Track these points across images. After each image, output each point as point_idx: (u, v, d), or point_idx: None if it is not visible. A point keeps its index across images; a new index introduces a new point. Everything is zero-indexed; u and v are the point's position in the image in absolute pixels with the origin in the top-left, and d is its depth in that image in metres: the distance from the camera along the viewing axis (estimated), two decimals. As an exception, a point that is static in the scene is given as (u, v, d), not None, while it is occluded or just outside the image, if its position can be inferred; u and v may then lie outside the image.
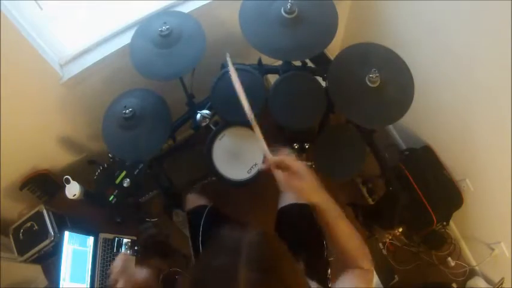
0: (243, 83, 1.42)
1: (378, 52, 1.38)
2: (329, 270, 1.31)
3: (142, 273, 1.04)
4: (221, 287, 0.62)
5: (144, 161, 1.57)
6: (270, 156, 0.89)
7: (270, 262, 0.66)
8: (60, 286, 1.53)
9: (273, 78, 1.53)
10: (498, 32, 1.21)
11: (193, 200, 1.56)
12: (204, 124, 1.48)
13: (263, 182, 1.50)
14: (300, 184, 0.86)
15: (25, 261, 1.63)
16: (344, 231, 0.90)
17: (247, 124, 1.47)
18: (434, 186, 1.73)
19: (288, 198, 1.46)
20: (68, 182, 1.50)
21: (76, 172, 1.62)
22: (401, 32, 1.70)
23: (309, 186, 0.87)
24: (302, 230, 1.36)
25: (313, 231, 1.33)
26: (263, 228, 0.73)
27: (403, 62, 1.36)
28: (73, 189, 1.50)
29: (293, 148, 1.64)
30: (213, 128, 1.49)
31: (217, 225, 1.45)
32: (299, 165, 0.86)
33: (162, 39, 1.31)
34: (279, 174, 0.87)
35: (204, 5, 1.49)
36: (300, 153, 1.65)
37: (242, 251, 0.64)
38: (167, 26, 1.30)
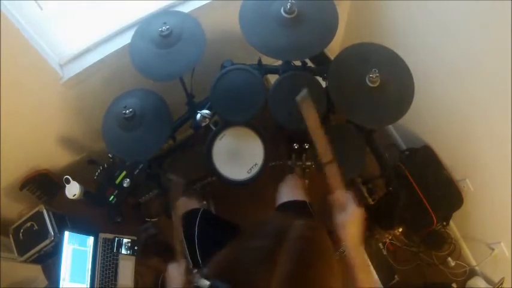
0: (243, 83, 1.44)
1: (378, 52, 1.38)
2: None
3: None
4: (254, 267, 0.61)
5: (144, 161, 1.57)
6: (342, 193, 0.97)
7: (311, 258, 0.64)
8: (60, 286, 1.54)
9: (273, 78, 1.53)
10: (498, 32, 1.21)
11: (185, 205, 1.56)
12: (204, 124, 1.48)
13: (263, 182, 1.50)
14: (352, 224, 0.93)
15: (25, 261, 1.63)
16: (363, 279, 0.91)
17: (247, 124, 1.48)
18: (434, 186, 1.73)
19: (285, 196, 1.48)
20: (68, 182, 1.50)
21: (76, 172, 1.62)
22: (402, 32, 1.70)
23: (357, 235, 0.93)
24: None
25: None
26: (313, 222, 0.72)
27: (403, 62, 1.36)
28: (73, 189, 1.50)
29: (293, 148, 1.64)
30: (213, 128, 1.49)
31: (214, 227, 1.45)
32: (353, 207, 0.95)
33: (162, 39, 1.31)
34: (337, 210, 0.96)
35: (204, 5, 1.49)
36: (300, 153, 1.66)
37: (287, 238, 0.63)
38: (167, 26, 1.30)
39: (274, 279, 0.58)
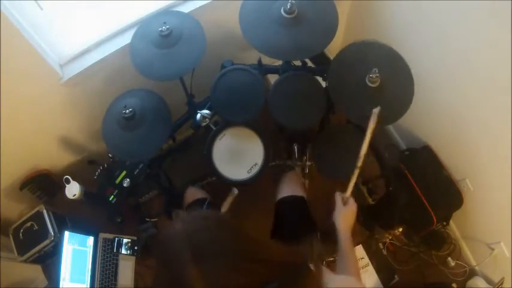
0: (243, 83, 1.44)
1: (378, 52, 1.38)
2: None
3: None
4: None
5: (144, 161, 1.57)
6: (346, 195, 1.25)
7: (219, 245, 0.60)
8: (60, 286, 1.54)
9: (273, 78, 1.53)
10: (499, 32, 1.21)
11: (192, 194, 1.57)
12: (204, 124, 1.48)
13: (263, 182, 1.51)
14: (349, 218, 1.22)
15: (25, 261, 1.63)
16: (353, 258, 1.15)
17: (247, 124, 1.48)
18: (434, 186, 1.73)
19: (284, 191, 1.51)
20: (68, 182, 1.50)
21: (76, 172, 1.62)
22: (402, 32, 1.69)
23: (351, 219, 1.23)
24: (298, 218, 1.45)
25: (307, 219, 1.45)
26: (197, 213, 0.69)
27: (404, 62, 1.36)
28: (73, 189, 1.50)
29: (293, 148, 1.64)
30: (213, 128, 1.49)
31: None
32: (354, 205, 1.25)
33: (162, 39, 1.31)
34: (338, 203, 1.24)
35: (204, 5, 1.49)
36: (300, 153, 1.66)
37: (182, 248, 0.58)
38: (167, 26, 1.30)
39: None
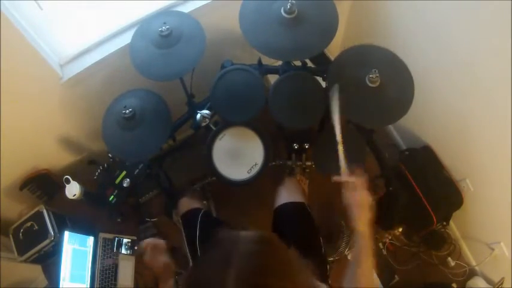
0: (243, 83, 1.44)
1: (378, 53, 1.38)
2: (328, 268, 1.32)
3: (166, 258, 1.04)
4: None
5: (144, 161, 1.57)
6: (347, 175, 1.06)
7: (262, 275, 0.62)
8: (60, 286, 1.53)
9: (273, 78, 1.53)
10: (499, 32, 1.21)
11: (186, 204, 1.56)
12: (204, 124, 1.48)
13: (263, 182, 1.50)
14: (366, 203, 1.01)
15: (25, 261, 1.63)
16: (367, 266, 0.95)
17: (247, 124, 1.48)
18: (434, 186, 1.73)
19: (283, 198, 1.48)
20: (68, 182, 1.50)
21: (76, 172, 1.62)
22: (402, 32, 1.70)
23: (365, 214, 1.00)
24: (299, 227, 1.38)
25: (310, 228, 1.37)
26: (260, 233, 0.70)
27: (403, 63, 1.36)
28: (73, 189, 1.50)
29: (293, 148, 1.64)
30: (213, 128, 1.49)
31: (214, 227, 1.45)
32: (365, 195, 1.02)
33: (162, 39, 1.31)
34: (347, 189, 1.03)
35: (204, 5, 1.49)
36: (300, 153, 1.66)
37: (233, 261, 0.62)
38: (167, 26, 1.30)
39: None
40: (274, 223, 1.44)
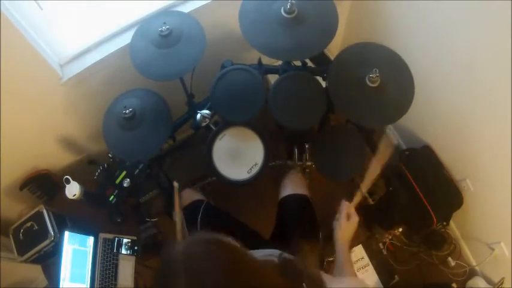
0: (243, 83, 1.44)
1: (378, 52, 1.38)
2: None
3: None
4: None
5: (144, 161, 1.57)
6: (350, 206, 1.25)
7: (212, 274, 0.61)
8: (60, 286, 1.53)
9: (273, 78, 1.53)
10: (499, 32, 1.21)
11: (189, 195, 1.56)
12: (204, 124, 1.48)
13: (263, 182, 1.51)
14: (350, 231, 1.20)
15: (25, 261, 1.63)
16: (350, 271, 1.11)
17: (247, 124, 1.48)
18: (434, 186, 1.73)
19: (287, 190, 1.50)
20: (68, 182, 1.50)
21: (76, 172, 1.61)
22: (402, 32, 1.69)
23: (351, 234, 1.20)
24: (302, 219, 1.44)
25: (311, 221, 1.43)
26: (208, 234, 0.68)
27: (404, 62, 1.36)
28: (73, 189, 1.50)
29: (293, 148, 1.64)
30: (213, 128, 1.49)
31: (216, 220, 1.46)
32: (356, 220, 1.21)
33: (162, 39, 1.31)
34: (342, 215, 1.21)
35: (204, 5, 1.49)
36: (300, 153, 1.66)
37: (178, 273, 0.61)
38: (167, 26, 1.30)
39: None
40: (278, 214, 1.48)
